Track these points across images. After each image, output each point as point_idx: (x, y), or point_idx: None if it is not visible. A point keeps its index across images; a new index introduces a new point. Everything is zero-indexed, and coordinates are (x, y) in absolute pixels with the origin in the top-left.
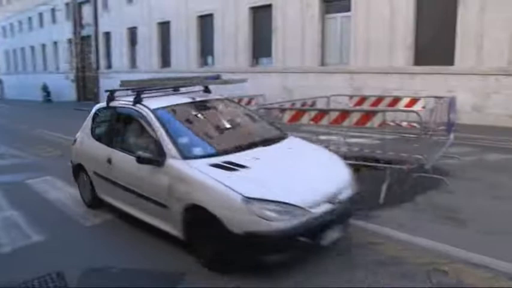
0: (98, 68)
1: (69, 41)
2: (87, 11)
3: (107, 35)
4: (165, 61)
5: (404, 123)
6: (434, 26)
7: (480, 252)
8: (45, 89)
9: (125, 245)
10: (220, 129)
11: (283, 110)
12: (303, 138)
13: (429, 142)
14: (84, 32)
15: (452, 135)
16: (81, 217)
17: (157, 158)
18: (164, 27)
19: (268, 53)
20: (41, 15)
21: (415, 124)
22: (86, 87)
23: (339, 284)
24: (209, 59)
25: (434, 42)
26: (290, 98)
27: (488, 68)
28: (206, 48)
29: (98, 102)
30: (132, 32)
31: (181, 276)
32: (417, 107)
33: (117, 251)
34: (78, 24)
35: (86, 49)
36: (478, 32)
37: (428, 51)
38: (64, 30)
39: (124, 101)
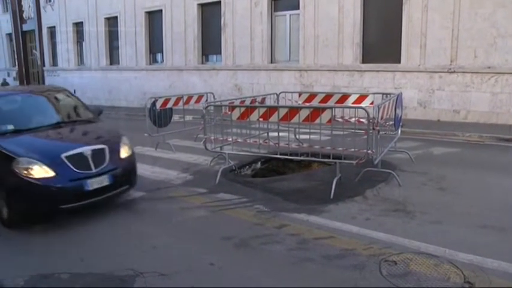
0: (43, 65)
1: (9, 35)
2: (27, 3)
3: (52, 29)
4: (114, 58)
5: (352, 119)
6: (381, 25)
7: (427, 242)
8: (4, 85)
9: None
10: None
11: (232, 108)
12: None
13: (377, 137)
14: (26, 27)
15: (399, 130)
16: None
17: None
18: (112, 22)
19: (217, 51)
20: None
21: (363, 120)
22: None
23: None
24: (158, 57)
25: (382, 41)
26: (240, 96)
27: (433, 66)
28: (155, 45)
29: None
30: (78, 27)
31: (134, 278)
32: (366, 103)
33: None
34: (18, 17)
35: (29, 44)
36: (422, 31)
37: (376, 49)
38: (1, 25)
39: None
